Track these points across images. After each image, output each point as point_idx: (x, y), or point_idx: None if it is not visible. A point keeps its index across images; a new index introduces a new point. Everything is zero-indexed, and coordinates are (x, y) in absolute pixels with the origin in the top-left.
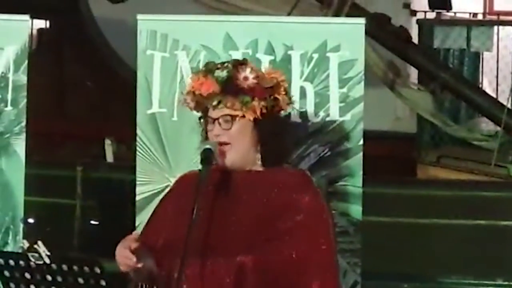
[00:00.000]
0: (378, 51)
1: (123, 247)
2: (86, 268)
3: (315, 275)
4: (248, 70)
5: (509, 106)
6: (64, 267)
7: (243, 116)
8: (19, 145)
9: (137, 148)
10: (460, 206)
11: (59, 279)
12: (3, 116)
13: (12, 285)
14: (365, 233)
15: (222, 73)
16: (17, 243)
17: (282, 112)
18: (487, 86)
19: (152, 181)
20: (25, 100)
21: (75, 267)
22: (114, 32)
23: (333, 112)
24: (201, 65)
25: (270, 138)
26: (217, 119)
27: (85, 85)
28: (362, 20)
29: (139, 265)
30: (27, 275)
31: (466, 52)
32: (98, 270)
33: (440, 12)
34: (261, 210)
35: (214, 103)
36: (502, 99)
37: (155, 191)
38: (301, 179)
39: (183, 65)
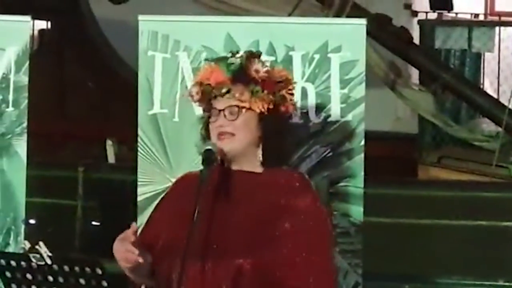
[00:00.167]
0: (379, 52)
1: (122, 240)
2: (87, 269)
3: (313, 278)
4: (259, 63)
5: (510, 106)
6: (66, 268)
7: (249, 109)
8: (21, 146)
9: (138, 149)
10: (461, 206)
11: (61, 280)
12: (4, 117)
13: (13, 286)
14: (366, 233)
15: (235, 61)
16: (18, 244)
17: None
18: (488, 86)
19: (153, 181)
20: (26, 101)
21: (76, 268)
22: (115, 32)
23: (335, 112)
24: (202, 66)
25: (272, 137)
26: (223, 110)
27: (86, 86)
28: (363, 21)
29: (141, 260)
30: (29, 276)
31: (467, 53)
32: (99, 271)
33: (441, 13)
34: (260, 212)
35: (223, 91)
36: (503, 100)
37: (156, 191)
38: (300, 182)
39: (184, 66)
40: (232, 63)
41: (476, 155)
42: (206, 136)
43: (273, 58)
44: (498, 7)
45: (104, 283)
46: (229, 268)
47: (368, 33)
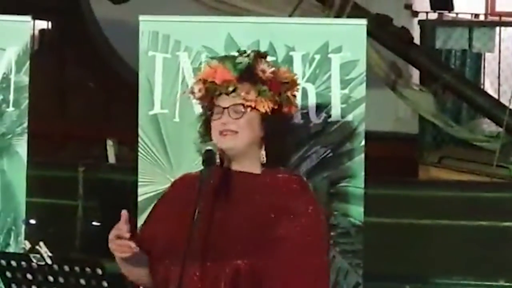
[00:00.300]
0: (380, 52)
1: (115, 230)
2: (87, 269)
3: (309, 279)
4: (266, 63)
5: (511, 107)
6: (66, 268)
7: (254, 108)
8: (21, 146)
9: (139, 149)
10: (462, 207)
11: (61, 280)
12: (5, 117)
13: (14, 286)
14: (367, 234)
15: (243, 60)
16: (19, 244)
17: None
18: (489, 87)
19: (154, 182)
20: (27, 101)
21: (76, 268)
22: (115, 33)
23: (335, 113)
24: (202, 66)
25: (274, 138)
26: (227, 108)
27: (86, 86)
28: (363, 21)
29: (133, 245)
30: (29, 276)
31: (468, 53)
32: (99, 271)
33: (442, 13)
34: (258, 214)
35: (230, 89)
36: (504, 100)
37: (157, 192)
38: (298, 184)
39: (185, 66)
40: (240, 62)
41: (476, 156)
42: (205, 134)
43: (273, 59)
44: (499, 7)
45: (105, 283)
46: (227, 269)
47: (368, 33)
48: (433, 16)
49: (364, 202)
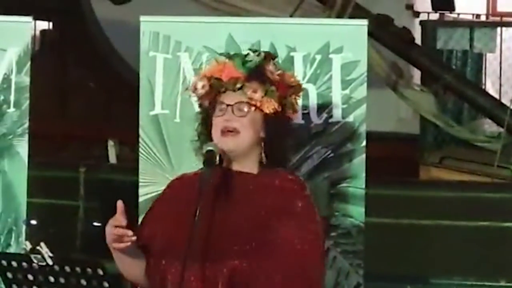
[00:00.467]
0: (381, 53)
1: (111, 220)
2: (88, 270)
3: (305, 279)
4: (274, 65)
5: None
6: (67, 268)
7: (258, 108)
8: (22, 147)
9: (140, 150)
10: (463, 207)
11: (62, 280)
12: (5, 118)
13: (15, 286)
14: (368, 234)
15: (254, 58)
16: (19, 244)
17: None
18: (490, 87)
19: (155, 182)
20: (27, 102)
21: (77, 269)
22: (116, 33)
23: (336, 113)
24: (203, 67)
25: (274, 139)
26: (232, 105)
27: (87, 87)
28: (364, 22)
29: (133, 237)
30: (30, 277)
31: (469, 53)
32: (100, 272)
33: (443, 13)
34: (256, 215)
35: (237, 86)
36: (505, 100)
37: (158, 192)
38: (296, 185)
39: (186, 66)
40: (250, 60)
41: (477, 156)
42: (204, 133)
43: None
44: (500, 8)
45: (105, 284)
46: (225, 269)
47: (369, 33)
48: (434, 16)
49: (365, 202)
